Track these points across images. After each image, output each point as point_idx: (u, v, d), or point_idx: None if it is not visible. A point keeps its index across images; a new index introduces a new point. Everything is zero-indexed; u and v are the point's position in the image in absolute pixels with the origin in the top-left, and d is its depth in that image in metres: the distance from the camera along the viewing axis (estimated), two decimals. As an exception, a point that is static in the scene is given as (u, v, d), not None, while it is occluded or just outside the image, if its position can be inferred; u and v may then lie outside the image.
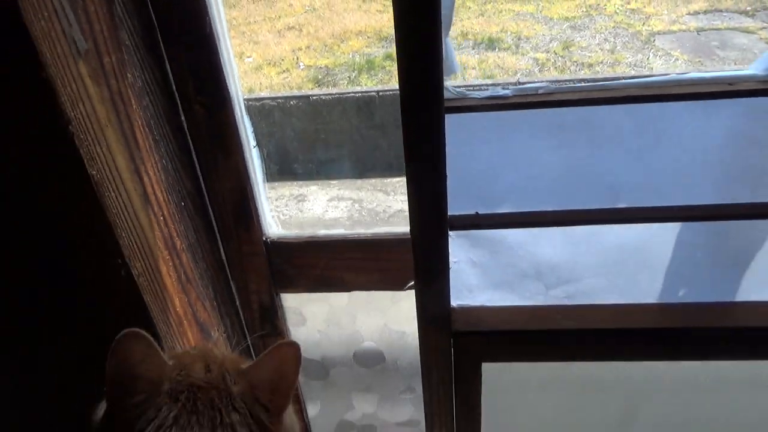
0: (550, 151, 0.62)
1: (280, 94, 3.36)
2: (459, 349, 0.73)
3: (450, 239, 0.68)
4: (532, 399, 0.81)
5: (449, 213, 0.65)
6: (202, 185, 0.81)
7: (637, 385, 0.78)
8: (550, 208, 0.65)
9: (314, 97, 3.68)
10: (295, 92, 3.45)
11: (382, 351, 1.03)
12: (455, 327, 0.71)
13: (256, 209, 0.86)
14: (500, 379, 0.80)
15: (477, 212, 0.65)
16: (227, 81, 0.75)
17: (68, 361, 0.67)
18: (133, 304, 0.64)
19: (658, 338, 0.70)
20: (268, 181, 0.89)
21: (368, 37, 4.10)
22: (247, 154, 0.81)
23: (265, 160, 0.88)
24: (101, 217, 0.59)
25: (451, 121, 0.59)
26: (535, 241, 0.69)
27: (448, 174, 0.62)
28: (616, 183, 0.63)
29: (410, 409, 1.10)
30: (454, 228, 0.66)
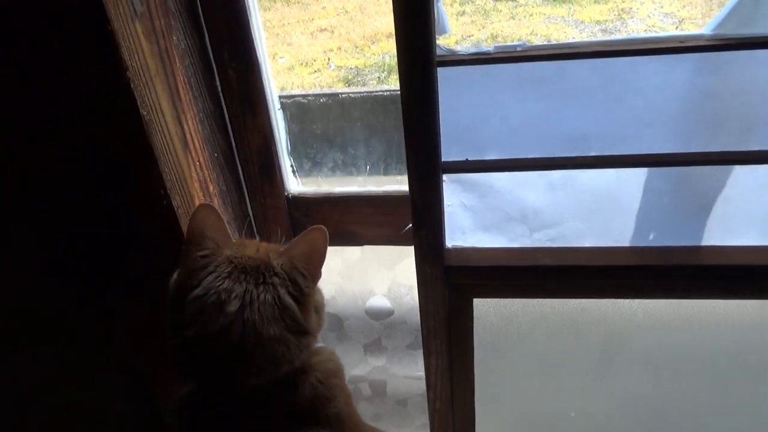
0: (529, 103, 0.71)
1: (310, 92, 3.50)
2: (452, 285, 0.83)
3: (444, 184, 0.78)
4: (520, 336, 0.90)
5: (442, 159, 0.75)
6: (233, 142, 0.92)
7: (614, 325, 0.87)
8: (531, 155, 0.74)
9: (343, 95, 3.81)
10: (325, 90, 3.59)
11: (392, 305, 1.13)
12: (448, 263, 0.81)
13: (279, 166, 0.97)
14: (491, 317, 0.90)
15: (467, 158, 0.75)
16: (257, 50, 0.86)
17: (114, 272, 0.79)
18: (170, 232, 0.76)
19: (631, 276, 0.79)
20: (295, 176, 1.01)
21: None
22: (272, 116, 0.92)
23: (291, 153, 1.00)
24: (149, 152, 0.70)
25: (443, 76, 0.69)
26: (520, 187, 0.79)
27: (441, 124, 0.73)
28: (588, 132, 0.72)
29: (419, 362, 1.19)
30: (446, 172, 0.75)
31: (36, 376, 0.95)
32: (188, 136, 0.79)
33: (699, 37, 0.64)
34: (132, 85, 0.66)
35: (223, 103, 0.89)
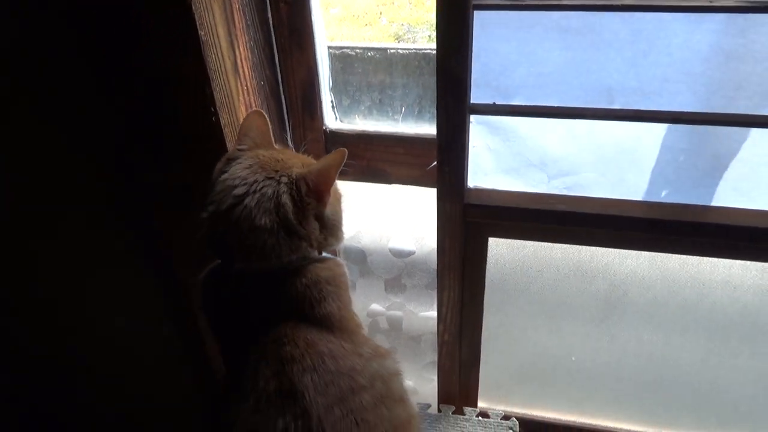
0: (558, 52, 0.75)
1: (359, 45, 3.54)
2: (469, 223, 0.89)
3: (470, 125, 0.83)
4: (529, 279, 0.96)
5: (471, 101, 0.80)
6: (279, 73, 0.99)
7: (619, 276, 0.91)
8: (555, 104, 0.78)
9: (392, 50, 3.83)
10: (375, 44, 3.62)
11: (414, 246, 1.19)
12: (468, 201, 0.86)
13: (321, 102, 1.03)
14: (504, 259, 0.95)
15: (494, 102, 0.80)
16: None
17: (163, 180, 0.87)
18: (217, 148, 0.83)
19: (640, 229, 0.83)
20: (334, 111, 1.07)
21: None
22: (318, 51, 0.98)
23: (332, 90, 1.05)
24: (203, 71, 0.77)
25: (478, 19, 0.74)
26: (542, 135, 0.83)
27: (472, 66, 0.77)
28: (612, 85, 0.75)
29: (435, 303, 1.26)
30: (474, 113, 0.80)
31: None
32: (239, 61, 0.86)
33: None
34: (193, 6, 0.73)
35: (272, 35, 0.95)
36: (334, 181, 0.69)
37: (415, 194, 1.14)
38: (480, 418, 1.08)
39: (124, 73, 0.80)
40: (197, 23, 0.74)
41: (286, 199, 0.66)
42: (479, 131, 0.84)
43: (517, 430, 1.07)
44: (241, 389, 0.66)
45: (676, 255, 0.86)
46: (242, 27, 0.86)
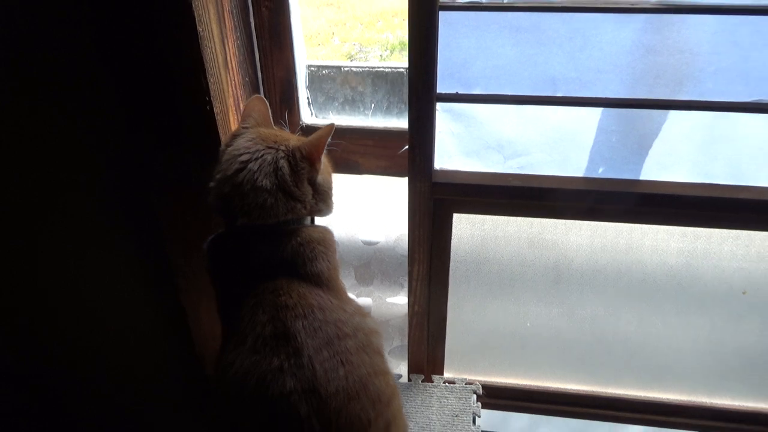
0: (509, 48, 0.88)
1: (314, 63, 3.66)
2: (436, 200, 1.00)
3: (437, 112, 0.95)
4: (490, 254, 1.08)
5: (437, 91, 0.92)
6: (259, 71, 1.08)
7: (566, 247, 1.05)
8: (508, 92, 0.92)
9: (345, 69, 3.97)
10: (328, 62, 3.76)
11: (382, 233, 1.30)
12: (435, 180, 0.98)
13: (298, 98, 1.13)
14: (467, 235, 1.07)
15: (457, 92, 0.92)
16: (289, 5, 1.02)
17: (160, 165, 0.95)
18: (210, 134, 0.92)
19: (582, 200, 0.97)
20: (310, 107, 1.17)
21: (402, 20, 4.38)
22: (296, 52, 1.08)
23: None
24: (200, 63, 0.86)
25: (443, 19, 0.86)
26: (498, 120, 0.96)
27: (438, 60, 0.89)
28: (555, 75, 0.89)
29: (402, 288, 1.36)
30: (440, 101, 0.92)
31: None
32: (228, 57, 0.95)
33: (646, 2, 0.82)
34: (193, 5, 0.82)
35: (254, 38, 1.05)
36: (323, 149, 0.80)
37: (382, 184, 1.26)
38: (447, 384, 1.19)
39: (130, 66, 0.88)
40: (196, 20, 0.83)
41: (283, 163, 0.77)
42: (444, 118, 0.96)
43: (480, 392, 1.18)
44: (240, 334, 0.75)
45: (613, 224, 1.01)
46: (231, 28, 0.96)
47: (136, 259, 1.10)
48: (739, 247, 1.00)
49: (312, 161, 0.79)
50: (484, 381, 1.22)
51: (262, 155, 0.77)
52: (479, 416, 1.13)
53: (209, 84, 0.89)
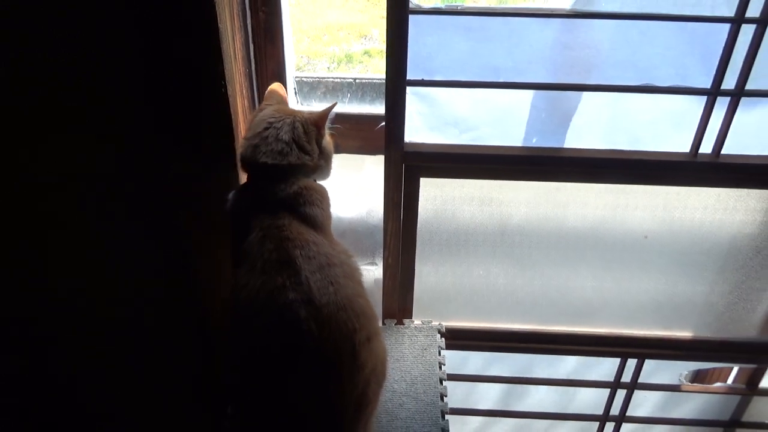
0: (463, 43, 1.14)
1: (299, 74, 3.87)
2: (407, 166, 1.24)
3: (407, 95, 1.19)
4: (450, 213, 1.33)
5: (407, 77, 1.17)
6: (253, 66, 1.30)
7: (511, 206, 1.31)
8: (462, 78, 1.17)
9: (297, 78, 4.19)
10: (312, 74, 3.98)
11: (356, 206, 1.53)
12: (406, 150, 1.22)
13: (286, 88, 1.35)
14: (433, 197, 1.32)
15: (423, 78, 1.17)
16: (281, 1, 1.25)
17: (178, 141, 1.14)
18: (224, 115, 1.12)
19: (521, 164, 1.23)
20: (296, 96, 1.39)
21: (348, 33, 4.62)
22: (286, 49, 1.31)
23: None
24: (218, 54, 1.07)
25: (412, 21, 1.11)
26: (454, 101, 1.22)
27: (408, 53, 1.14)
28: (498, 65, 1.16)
29: (373, 256, 1.58)
30: (409, 85, 1.17)
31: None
32: (236, 50, 1.17)
33: (562, 9, 1.10)
34: (216, 7, 1.04)
35: (250, 37, 1.27)
36: (327, 119, 1.05)
37: (357, 159, 1.49)
38: (416, 326, 1.42)
39: (159, 55, 1.07)
40: (218, 19, 1.05)
41: (298, 125, 1.01)
42: (412, 100, 1.21)
43: (444, 331, 1.42)
44: (251, 261, 0.97)
45: (545, 184, 1.28)
46: (238, 27, 1.18)
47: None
48: (640, 199, 1.30)
49: (319, 127, 1.03)
50: (447, 325, 1.46)
51: (283, 119, 1.01)
52: (444, 349, 1.37)
53: (224, 70, 1.10)
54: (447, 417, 1.22)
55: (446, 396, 1.26)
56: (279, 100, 1.10)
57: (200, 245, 1.27)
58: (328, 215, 1.08)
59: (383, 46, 1.11)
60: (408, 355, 1.35)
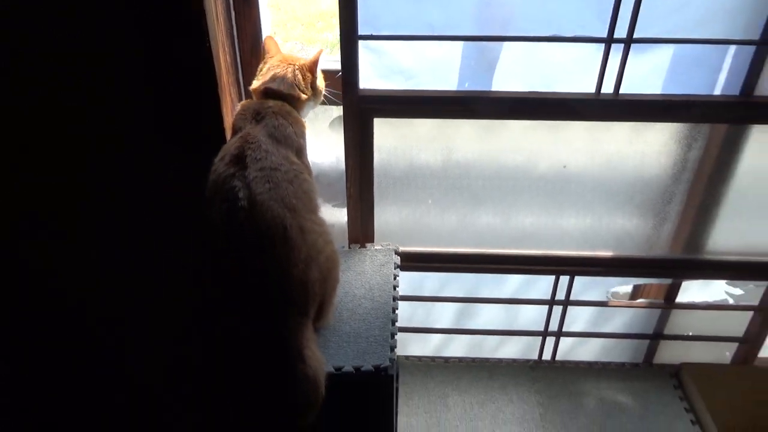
0: (404, 4, 1.39)
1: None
2: (361, 108, 1.50)
3: (360, 48, 1.44)
4: (402, 147, 1.59)
5: (359, 33, 1.42)
6: (234, 27, 1.55)
7: (455, 142, 1.57)
8: (405, 33, 1.43)
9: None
10: None
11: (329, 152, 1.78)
12: (361, 94, 1.48)
13: (261, 47, 1.60)
14: (388, 137, 1.58)
15: (372, 33, 1.43)
16: (254, -31, 1.49)
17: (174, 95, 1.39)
18: (207, 69, 1.37)
19: (457, 104, 1.49)
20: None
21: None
22: (261, 12, 1.55)
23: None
24: (202, 12, 1.31)
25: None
26: (399, 53, 1.47)
27: (359, 12, 1.39)
28: (432, 21, 1.41)
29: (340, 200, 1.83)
30: (361, 39, 1.42)
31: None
32: (218, 12, 1.41)
33: (481, -27, 1.35)
34: (199, -25, 1.28)
35: (231, 2, 1.52)
36: (317, 64, 1.37)
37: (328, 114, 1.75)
38: (376, 249, 1.69)
39: (152, 22, 1.32)
40: (201, -13, 1.30)
41: (297, 69, 1.35)
42: (363, 53, 1.46)
43: (399, 251, 1.68)
44: (222, 154, 1.28)
45: (479, 122, 1.53)
46: (220, -6, 1.42)
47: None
48: (555, 132, 1.56)
49: (312, 71, 1.37)
50: (404, 249, 1.72)
51: (286, 67, 1.35)
52: (399, 265, 1.64)
53: (208, 30, 1.35)
54: (396, 312, 1.48)
55: (397, 299, 1.52)
56: (274, 52, 1.41)
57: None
58: (298, 138, 1.35)
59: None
60: (368, 270, 1.61)
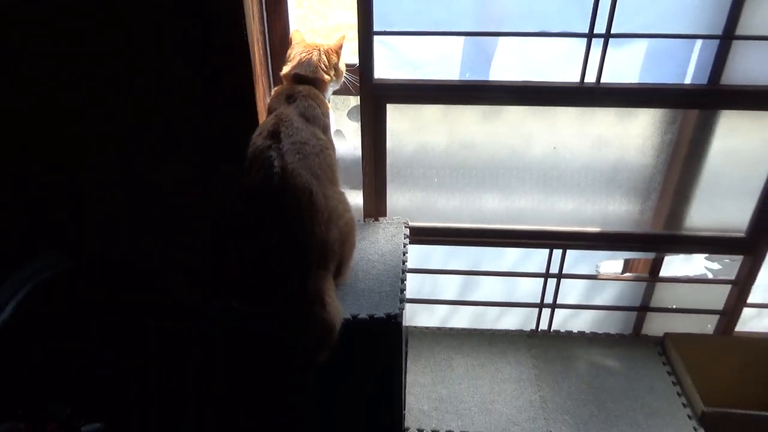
0: (412, 4, 1.62)
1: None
2: (376, 95, 1.73)
3: (375, 43, 1.67)
4: (413, 130, 1.81)
5: (374, 29, 1.65)
6: (266, 27, 1.78)
7: (458, 125, 1.79)
8: (414, 30, 1.65)
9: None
10: None
11: (348, 141, 2.00)
12: (376, 82, 1.71)
13: (290, 43, 1.84)
14: (401, 120, 1.80)
15: (385, 29, 1.66)
16: (285, -23, 1.74)
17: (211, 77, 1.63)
18: (244, 54, 1.60)
19: (461, 90, 1.71)
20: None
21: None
22: (289, 15, 1.79)
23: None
24: (242, 13, 1.55)
25: (375, -12, 1.59)
26: (410, 47, 1.70)
27: (374, 18, 1.62)
28: (437, 19, 1.64)
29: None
30: (376, 35, 1.65)
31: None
32: (254, 12, 1.65)
33: (479, -23, 1.57)
34: (240, -21, 1.52)
35: (263, 3, 1.76)
36: (341, 48, 1.58)
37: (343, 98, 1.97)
38: (388, 222, 1.90)
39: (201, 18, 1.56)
40: (242, -12, 1.54)
41: (322, 54, 1.56)
42: (378, 46, 1.69)
43: (408, 224, 1.90)
44: (260, 129, 1.51)
45: (480, 107, 1.75)
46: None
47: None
48: (547, 119, 1.77)
49: (337, 53, 1.60)
50: (414, 224, 1.94)
51: (311, 51, 1.57)
52: (407, 236, 1.85)
53: (246, 25, 1.58)
54: (405, 273, 1.69)
55: (406, 262, 1.73)
56: (299, 41, 1.64)
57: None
58: (324, 117, 1.58)
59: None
60: (381, 239, 1.83)
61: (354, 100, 1.97)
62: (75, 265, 1.58)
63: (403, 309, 1.56)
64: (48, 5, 1.48)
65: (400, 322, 1.54)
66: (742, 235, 1.91)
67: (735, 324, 2.07)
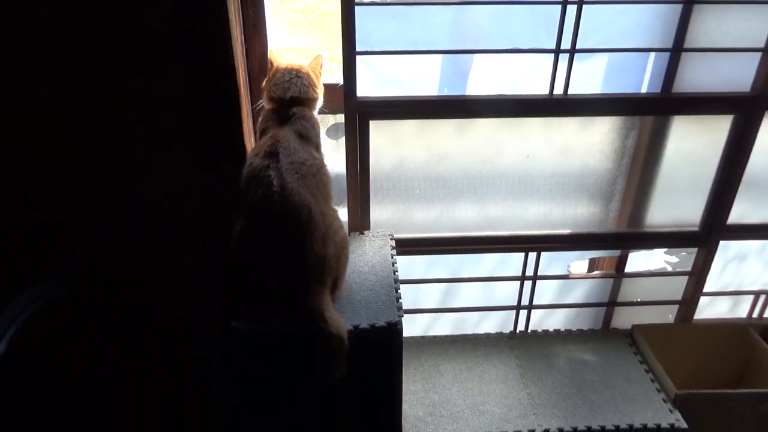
0: (392, 25, 1.70)
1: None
2: (360, 112, 1.79)
3: (357, 62, 1.74)
4: (396, 146, 1.88)
5: (357, 49, 1.71)
6: (244, 48, 1.81)
7: (436, 139, 1.87)
8: (393, 49, 1.73)
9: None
10: None
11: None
12: (359, 101, 1.77)
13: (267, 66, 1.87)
14: (383, 136, 1.86)
15: (367, 49, 1.73)
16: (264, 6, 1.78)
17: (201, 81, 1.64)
18: (231, 69, 1.63)
19: (439, 105, 1.80)
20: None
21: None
22: (267, 34, 1.83)
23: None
24: (228, 36, 1.58)
25: (358, 11, 1.66)
26: (389, 66, 1.78)
27: (357, 39, 1.69)
28: (416, 39, 1.72)
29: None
30: (358, 54, 1.72)
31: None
32: (237, 38, 1.68)
33: (455, -1, 1.68)
34: (227, 5, 1.55)
35: (242, 25, 1.79)
36: (320, 66, 1.63)
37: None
38: (373, 235, 1.95)
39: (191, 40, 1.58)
40: (230, 18, 1.57)
41: (308, 69, 1.61)
42: (360, 66, 1.75)
43: (393, 236, 1.95)
44: (256, 150, 1.54)
45: (456, 120, 1.84)
46: (238, 21, 1.69)
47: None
48: (517, 129, 1.89)
49: (316, 74, 1.63)
50: (397, 236, 2.00)
51: (296, 72, 1.60)
52: (394, 247, 1.90)
53: (232, 46, 1.61)
54: (398, 282, 1.74)
55: (397, 272, 1.79)
56: (278, 61, 1.66)
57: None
58: (317, 136, 1.62)
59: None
60: (369, 251, 1.88)
61: (332, 119, 2.02)
62: (69, 293, 1.54)
63: (402, 316, 1.61)
64: (48, 5, 1.46)
65: (401, 330, 1.59)
66: (695, 229, 2.09)
67: (693, 312, 2.24)
